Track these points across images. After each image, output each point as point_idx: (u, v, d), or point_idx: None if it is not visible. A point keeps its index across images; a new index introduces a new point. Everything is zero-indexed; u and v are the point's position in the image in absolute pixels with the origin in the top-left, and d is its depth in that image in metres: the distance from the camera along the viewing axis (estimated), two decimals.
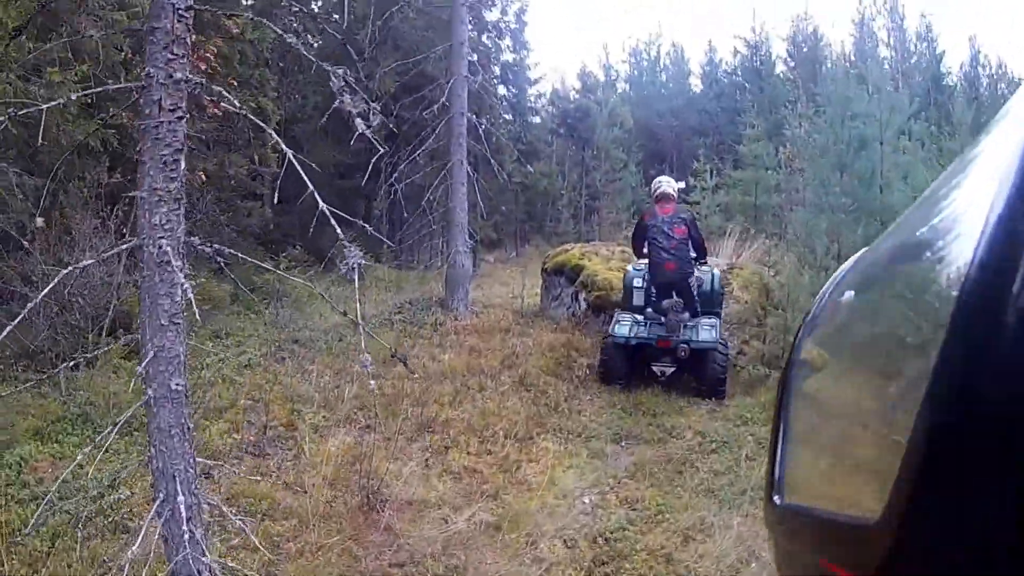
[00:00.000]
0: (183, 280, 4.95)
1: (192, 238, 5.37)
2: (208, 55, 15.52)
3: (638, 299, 12.76)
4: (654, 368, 12.20)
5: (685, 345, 11.63)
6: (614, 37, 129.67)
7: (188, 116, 5.12)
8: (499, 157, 25.23)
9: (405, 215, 19.90)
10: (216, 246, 5.64)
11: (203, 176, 17.46)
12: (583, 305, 15.70)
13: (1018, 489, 0.73)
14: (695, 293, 12.05)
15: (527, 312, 17.53)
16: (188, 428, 5.25)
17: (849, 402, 1.50)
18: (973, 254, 0.81)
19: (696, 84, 52.15)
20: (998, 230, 0.79)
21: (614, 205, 36.55)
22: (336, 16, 27.11)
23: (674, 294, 11.81)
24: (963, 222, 0.97)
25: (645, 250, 12.23)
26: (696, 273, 12.11)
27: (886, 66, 31.35)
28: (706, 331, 11.79)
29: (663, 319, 11.87)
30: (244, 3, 31.81)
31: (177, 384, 5.09)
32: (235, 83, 19.29)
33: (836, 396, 1.61)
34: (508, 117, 34.40)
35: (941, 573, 0.83)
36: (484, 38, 28.78)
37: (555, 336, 14.81)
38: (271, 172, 22.92)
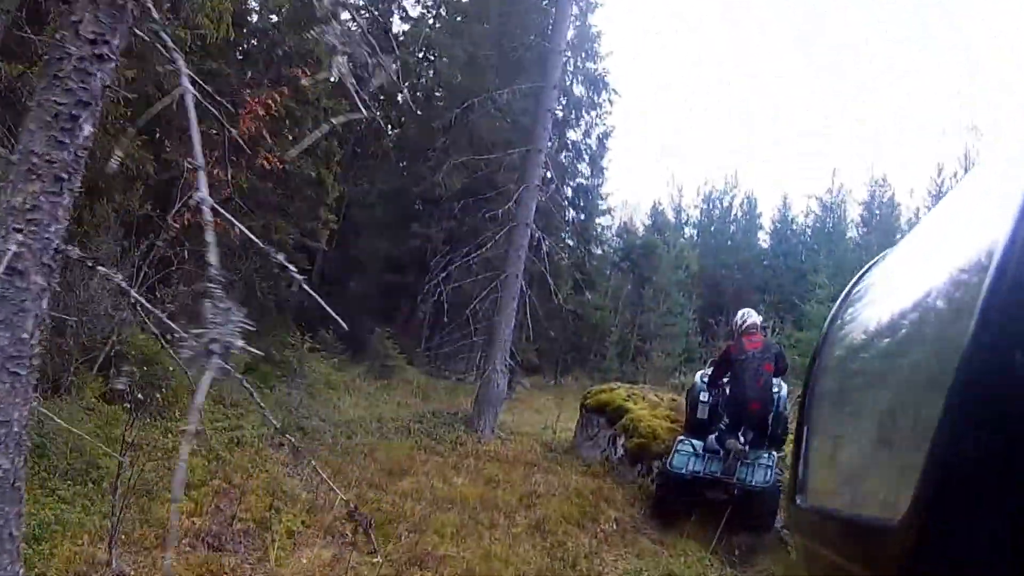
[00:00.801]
0: (39, 305, 3.22)
1: (70, 247, 3.41)
2: (270, 101, 14.90)
3: (702, 413, 12.36)
4: (707, 495, 11.66)
5: (738, 486, 11.11)
6: (690, 175, 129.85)
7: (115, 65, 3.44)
8: (556, 280, 24.34)
9: (446, 320, 18.77)
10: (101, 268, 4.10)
11: (236, 233, 16.03)
12: (620, 451, 14.39)
13: None
14: (768, 426, 11.67)
15: (557, 447, 16.25)
16: (12, 536, 3.32)
17: (871, 406, 1.47)
18: (998, 258, 0.83)
19: (764, 239, 51.77)
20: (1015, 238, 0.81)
21: (664, 349, 35.13)
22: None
23: (742, 432, 11.35)
24: (982, 225, 0.99)
25: (724, 382, 11.95)
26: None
27: None
28: (761, 472, 11.13)
29: (721, 452, 11.34)
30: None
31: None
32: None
33: (858, 400, 1.58)
34: (571, 242, 33.42)
35: (961, 575, 0.84)
36: (562, 157, 27.97)
37: (584, 480, 13.46)
38: (318, 248, 21.79)
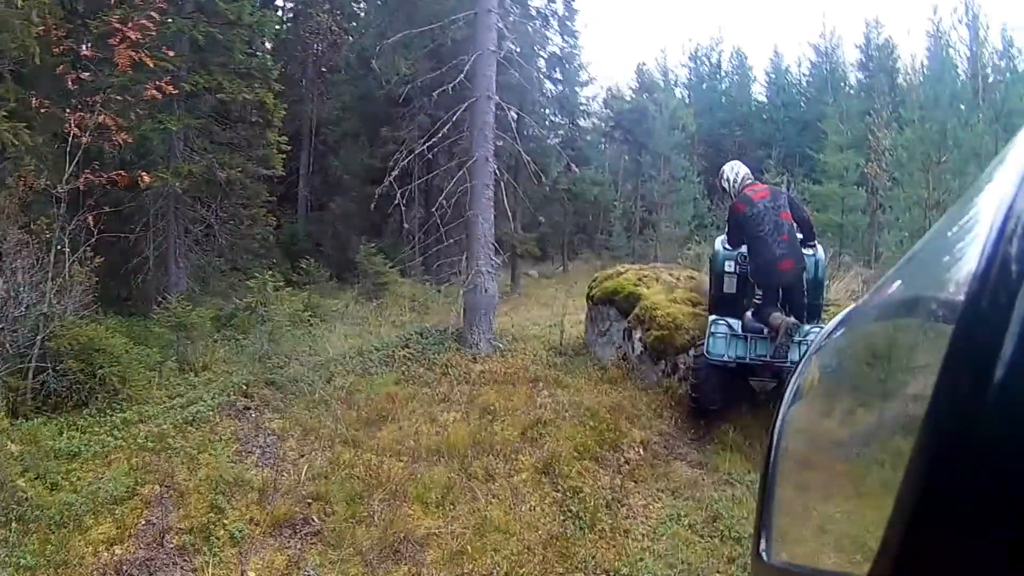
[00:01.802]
0: None
1: None
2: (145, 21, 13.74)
3: (730, 286, 10.51)
4: (751, 383, 10.13)
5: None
6: (671, 41, 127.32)
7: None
8: (544, 161, 22.45)
9: (439, 222, 16.82)
10: None
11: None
12: (638, 346, 12.31)
13: (1009, 545, 0.71)
14: (805, 291, 9.96)
15: (567, 348, 14.07)
16: None
17: (837, 461, 1.49)
18: (964, 302, 0.80)
19: (760, 92, 50.80)
20: (988, 271, 0.78)
21: (673, 218, 33.24)
22: None
23: (780, 300, 9.82)
24: (957, 272, 0.93)
25: (743, 248, 10.15)
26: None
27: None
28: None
29: (766, 332, 9.60)
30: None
31: None
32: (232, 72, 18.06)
33: (824, 454, 1.60)
34: (556, 119, 31.27)
35: None
36: (528, 27, 25.59)
37: (599, 392, 11.41)
38: (274, 175, 20.21)
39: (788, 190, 10.89)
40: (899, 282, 1.33)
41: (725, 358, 9.70)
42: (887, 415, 1.18)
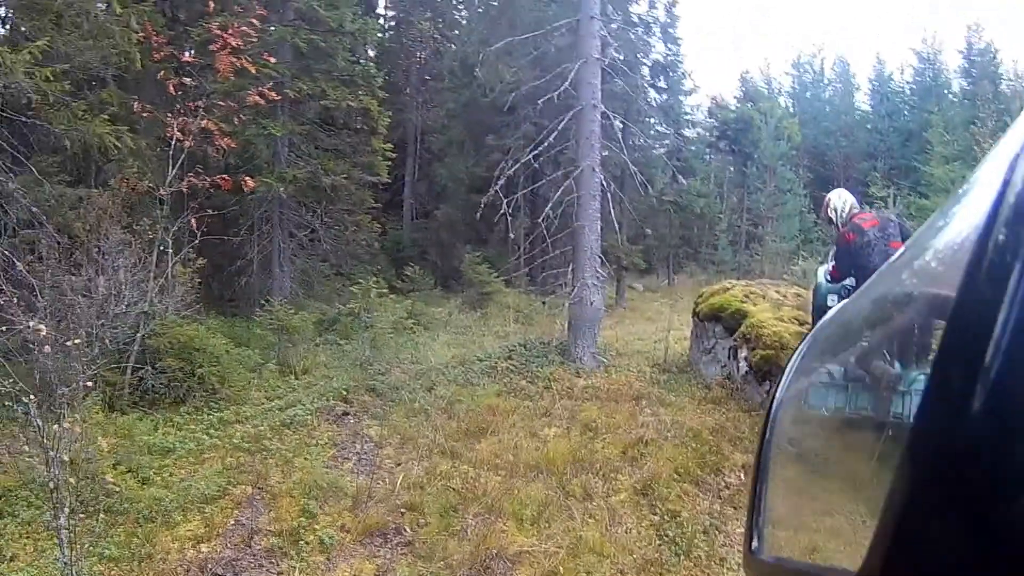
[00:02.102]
0: None
1: None
2: (246, 28, 14.20)
3: None
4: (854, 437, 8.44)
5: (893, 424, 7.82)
6: (775, 49, 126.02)
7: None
8: (649, 171, 22.07)
9: (546, 233, 16.74)
10: None
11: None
12: (743, 366, 11.92)
13: (1000, 541, 0.71)
14: None
15: (671, 365, 13.77)
16: None
17: (831, 451, 1.49)
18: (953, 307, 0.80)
19: (863, 100, 49.98)
20: (978, 265, 0.78)
21: (779, 232, 32.60)
22: None
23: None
24: (949, 269, 0.92)
25: (848, 280, 9.22)
26: None
27: None
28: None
29: (868, 379, 7.98)
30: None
31: None
32: (336, 79, 18.22)
33: (817, 445, 1.57)
34: (661, 129, 30.94)
35: None
36: (631, 34, 25.33)
37: (703, 413, 11.12)
38: (379, 182, 20.37)
39: (899, 218, 9.93)
40: (896, 277, 1.35)
41: (822, 408, 8.75)
42: (880, 410, 1.21)
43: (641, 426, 10.55)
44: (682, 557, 7.61)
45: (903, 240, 8.41)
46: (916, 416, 0.81)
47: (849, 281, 9.31)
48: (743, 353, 11.93)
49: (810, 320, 10.71)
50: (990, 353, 0.71)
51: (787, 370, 1.61)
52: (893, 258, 1.35)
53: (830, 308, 7.76)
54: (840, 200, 9.72)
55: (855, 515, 1.08)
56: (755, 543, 1.42)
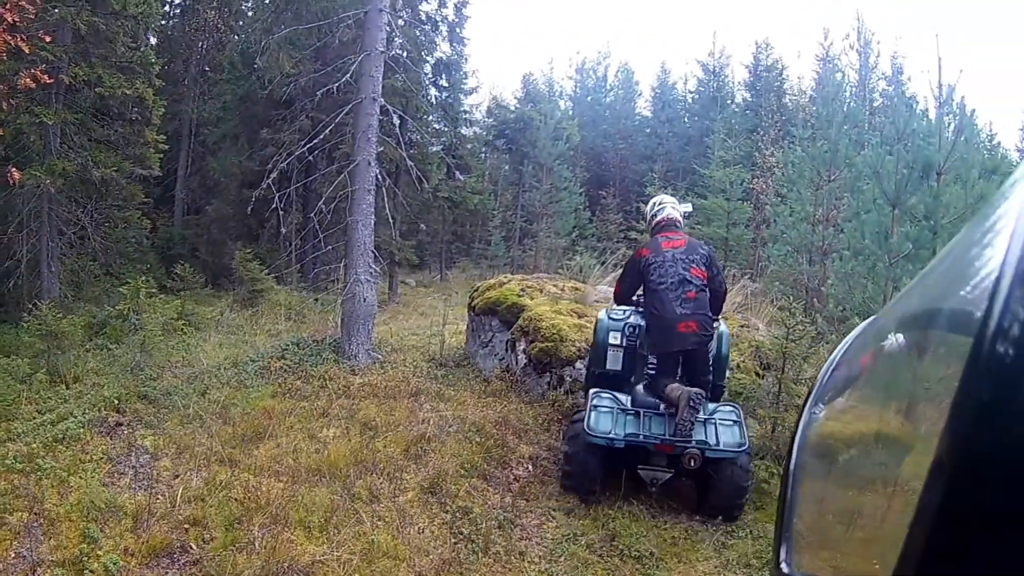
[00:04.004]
0: None
1: None
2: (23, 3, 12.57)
3: (614, 362, 8.90)
4: (641, 473, 8.32)
5: (698, 452, 7.83)
6: (559, 55, 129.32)
7: None
8: (424, 167, 22.09)
9: (317, 229, 16.45)
10: None
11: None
12: (522, 358, 11.98)
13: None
14: (709, 363, 8.44)
15: (448, 359, 13.77)
16: None
17: (859, 470, 1.51)
18: (982, 325, 0.79)
19: (644, 107, 52.06)
20: (1008, 282, 0.79)
21: (554, 229, 33.53)
22: None
23: (679, 371, 8.34)
24: (977, 285, 0.93)
25: (638, 297, 8.70)
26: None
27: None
28: (727, 430, 8.03)
29: (663, 408, 8.12)
30: None
31: None
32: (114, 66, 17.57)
33: (846, 463, 1.60)
34: (439, 126, 31.09)
35: None
36: (417, 32, 25.30)
37: (484, 406, 11.03)
38: (151, 176, 19.56)
39: (709, 249, 8.77)
40: (920, 294, 1.34)
41: (612, 435, 7.99)
42: (908, 427, 1.17)
43: (422, 422, 10.41)
44: (480, 554, 7.50)
45: (707, 270, 8.33)
46: (945, 430, 0.79)
47: (634, 319, 8.91)
48: (521, 346, 11.99)
49: (591, 363, 9.49)
50: (1017, 371, 0.71)
51: (815, 387, 1.66)
52: (924, 270, 1.37)
53: (612, 346, 7.69)
54: (651, 209, 9.10)
55: (883, 531, 1.10)
56: (784, 556, 1.46)
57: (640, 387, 8.52)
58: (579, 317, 11.83)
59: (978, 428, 0.74)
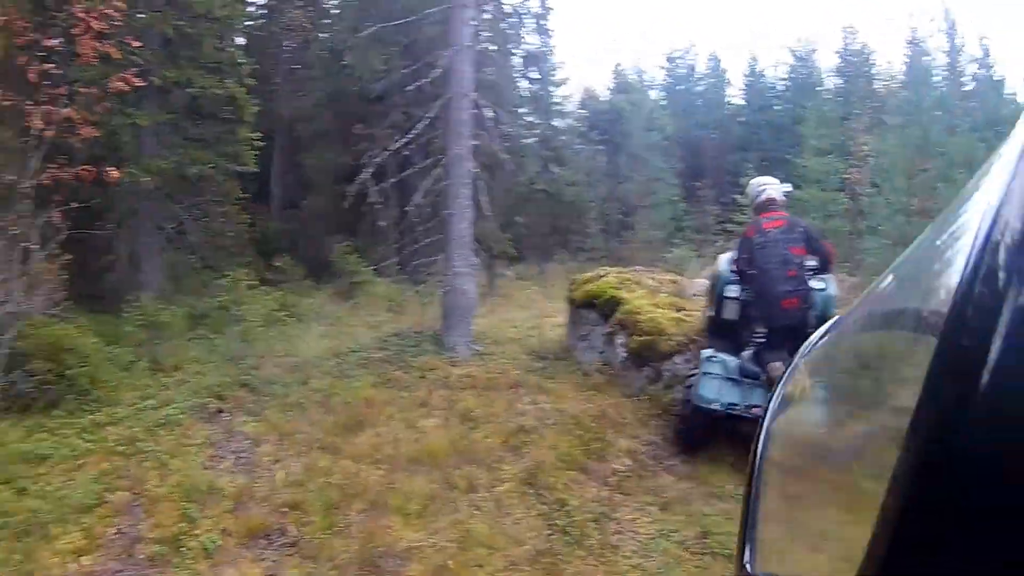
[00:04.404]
0: None
1: None
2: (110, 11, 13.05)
3: (731, 312, 9.44)
4: (746, 432, 8.49)
5: None
6: (648, 44, 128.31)
7: None
8: (520, 160, 22.06)
9: (416, 221, 16.64)
10: None
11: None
12: (620, 352, 11.88)
13: (992, 554, 0.72)
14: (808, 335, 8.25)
15: (548, 351, 13.72)
16: None
17: (821, 471, 1.50)
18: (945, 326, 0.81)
19: (736, 95, 51.21)
20: (973, 282, 0.78)
21: (650, 221, 33.10)
22: None
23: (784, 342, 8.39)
24: (942, 284, 0.94)
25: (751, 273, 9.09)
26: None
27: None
28: None
29: (763, 377, 8.61)
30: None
31: None
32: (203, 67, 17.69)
33: (810, 464, 1.58)
34: (532, 119, 31.07)
35: None
36: (503, 25, 25.32)
37: (583, 400, 11.01)
38: (247, 172, 19.91)
39: (809, 225, 9.90)
40: (885, 292, 1.37)
41: (714, 406, 8.71)
42: (873, 425, 1.18)
43: (521, 414, 10.45)
44: (574, 546, 7.51)
45: (807, 248, 8.79)
46: (908, 432, 0.80)
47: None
48: (620, 340, 11.91)
49: (710, 310, 10.11)
50: (983, 369, 0.70)
51: (777, 388, 1.68)
52: (888, 269, 1.36)
53: (728, 298, 8.16)
54: (753, 190, 9.64)
55: (848, 530, 1.09)
56: (747, 558, 1.47)
57: (747, 355, 8.91)
58: (677, 311, 11.69)
59: (941, 428, 0.75)
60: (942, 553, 0.73)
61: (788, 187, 9.95)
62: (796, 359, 1.74)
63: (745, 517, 1.61)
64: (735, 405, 8.62)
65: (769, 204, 9.24)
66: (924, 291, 1.05)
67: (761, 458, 1.68)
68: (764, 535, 1.55)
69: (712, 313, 9.78)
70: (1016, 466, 0.70)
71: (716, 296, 9.69)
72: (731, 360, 8.91)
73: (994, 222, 0.78)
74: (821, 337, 1.71)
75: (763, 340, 8.74)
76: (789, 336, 8.09)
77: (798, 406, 1.72)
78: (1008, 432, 0.71)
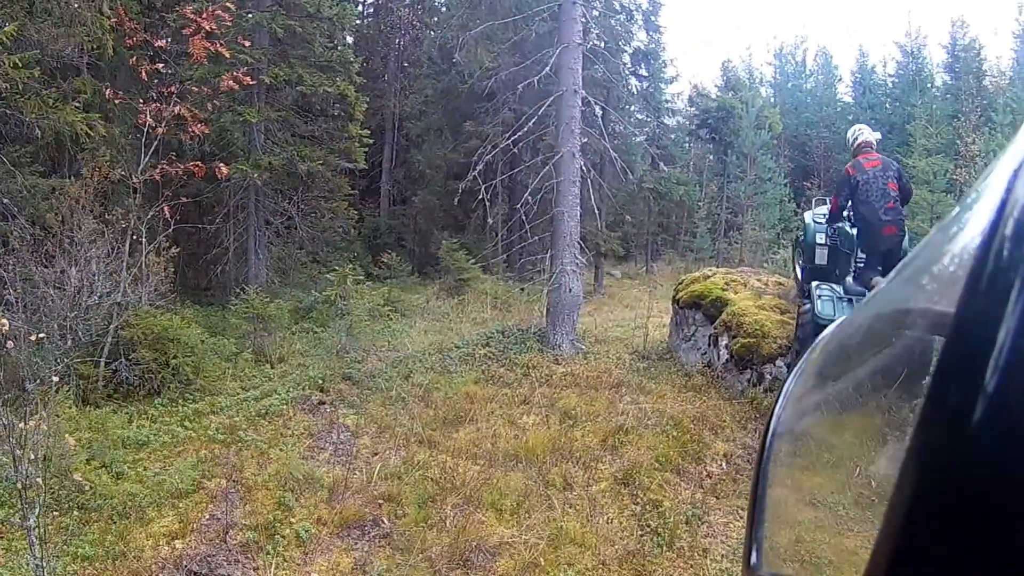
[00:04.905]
0: None
1: None
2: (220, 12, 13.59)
3: (821, 257, 10.96)
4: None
5: None
6: (757, 40, 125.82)
7: None
8: (628, 158, 21.98)
9: (524, 219, 16.68)
10: None
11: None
12: (723, 354, 11.84)
13: (1001, 554, 0.70)
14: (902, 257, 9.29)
15: (650, 352, 13.63)
16: None
17: (832, 466, 1.51)
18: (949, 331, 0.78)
19: (845, 92, 49.75)
20: (978, 280, 0.76)
21: (758, 221, 32.58)
22: None
23: (881, 265, 9.98)
24: (951, 282, 0.89)
25: (846, 213, 10.49)
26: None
27: None
28: None
29: (868, 293, 8.90)
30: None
31: None
32: (313, 65, 17.92)
33: (816, 464, 1.59)
34: (641, 116, 30.82)
35: None
36: (613, 21, 25.12)
37: (683, 401, 11.00)
38: (356, 169, 20.21)
39: (899, 164, 11.33)
40: (893, 292, 1.34)
41: (835, 319, 9.03)
42: (880, 424, 1.19)
43: (621, 414, 10.43)
44: (664, 548, 7.49)
45: (900, 183, 10.21)
46: (914, 432, 0.77)
47: (839, 222, 10.57)
48: (724, 341, 11.85)
49: (802, 260, 11.67)
50: (989, 370, 0.69)
51: (786, 386, 1.58)
52: (897, 267, 1.31)
53: (819, 245, 10.61)
54: (853, 135, 10.80)
55: (855, 531, 1.14)
56: (754, 558, 1.39)
57: (850, 279, 10.15)
58: (782, 313, 11.60)
59: (948, 428, 0.73)
60: (949, 554, 0.72)
61: (879, 135, 11.21)
62: (804, 357, 1.66)
63: (752, 516, 1.47)
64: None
65: (865, 147, 10.48)
66: (931, 291, 1.03)
67: (767, 456, 1.55)
68: (770, 534, 1.47)
69: (804, 260, 11.13)
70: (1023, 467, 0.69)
71: (807, 245, 11.16)
72: (836, 286, 10.06)
73: (1001, 221, 0.77)
74: (828, 336, 1.63)
75: (863, 263, 10.05)
76: (885, 258, 9.78)
77: (805, 405, 1.64)
78: (1016, 432, 0.69)
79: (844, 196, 10.29)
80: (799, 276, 11.90)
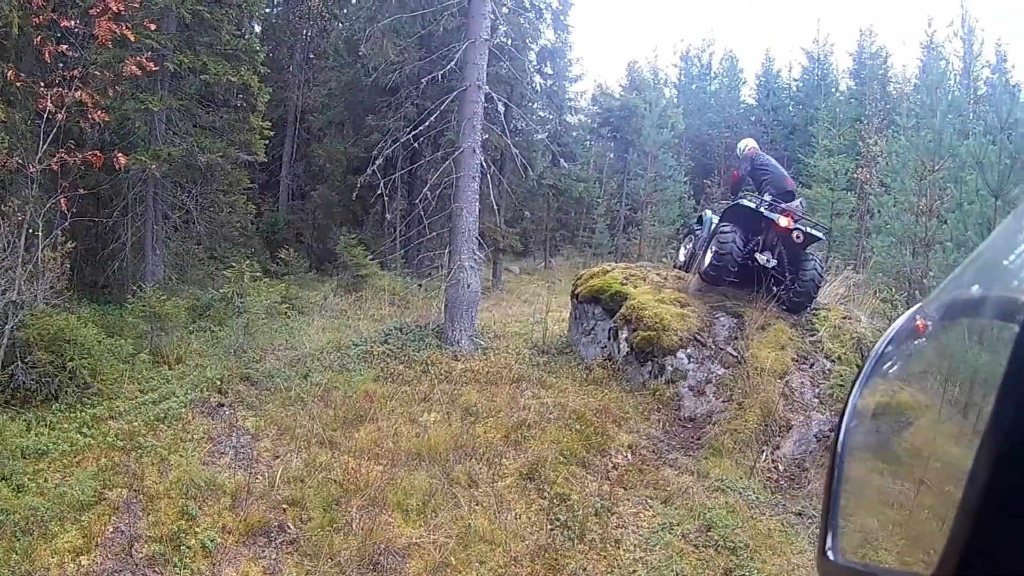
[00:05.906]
0: None
1: None
2: None
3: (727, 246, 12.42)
4: (758, 258, 11.91)
5: (800, 232, 11.89)
6: (663, 42, 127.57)
7: None
8: (529, 155, 22.01)
9: (422, 215, 16.57)
10: None
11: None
12: (624, 347, 11.94)
13: None
14: None
15: (550, 347, 13.69)
16: None
17: (906, 455, 1.52)
18: None
19: (749, 95, 50.95)
20: None
21: (658, 217, 32.83)
22: None
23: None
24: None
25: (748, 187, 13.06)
26: None
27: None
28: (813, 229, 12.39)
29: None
30: None
31: None
32: (218, 53, 17.52)
33: (893, 449, 1.57)
34: (544, 114, 30.93)
35: None
36: (522, 19, 25.14)
37: (585, 394, 11.02)
38: (256, 162, 19.81)
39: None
40: (966, 280, 1.30)
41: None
42: (957, 413, 1.16)
43: (523, 409, 10.42)
44: (575, 541, 7.53)
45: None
46: (989, 421, 0.78)
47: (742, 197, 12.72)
48: (624, 335, 11.95)
49: (708, 247, 12.69)
50: None
51: (862, 373, 1.56)
52: (970, 257, 1.32)
53: (724, 231, 12.35)
54: (743, 144, 13.55)
55: (929, 519, 1.11)
56: (829, 547, 1.39)
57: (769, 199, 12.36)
58: (682, 307, 11.75)
59: (1022, 419, 0.73)
60: (1019, 546, 0.73)
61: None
62: (879, 344, 1.63)
63: (827, 505, 1.51)
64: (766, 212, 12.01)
65: (752, 146, 13.59)
66: (1005, 278, 1.05)
67: (843, 446, 1.56)
68: (844, 524, 1.47)
69: (714, 249, 12.25)
70: None
71: (710, 236, 12.86)
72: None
73: None
74: (903, 325, 1.61)
75: (771, 199, 12.33)
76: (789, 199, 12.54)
77: (879, 394, 1.62)
78: None
79: (752, 174, 12.94)
80: (682, 261, 14.03)
